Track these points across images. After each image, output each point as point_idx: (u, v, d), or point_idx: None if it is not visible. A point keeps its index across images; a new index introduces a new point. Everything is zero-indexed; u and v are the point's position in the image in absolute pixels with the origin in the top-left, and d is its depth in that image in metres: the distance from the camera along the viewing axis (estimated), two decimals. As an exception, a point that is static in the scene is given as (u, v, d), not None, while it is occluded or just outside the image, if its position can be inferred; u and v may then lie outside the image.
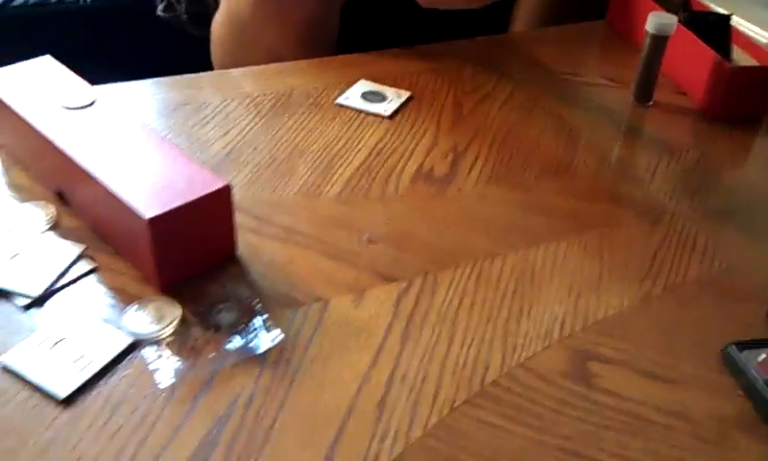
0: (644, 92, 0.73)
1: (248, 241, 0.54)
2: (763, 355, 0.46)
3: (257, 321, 0.48)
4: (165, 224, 0.47)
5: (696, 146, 0.69)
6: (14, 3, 1.10)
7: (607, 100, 0.75)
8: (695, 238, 0.57)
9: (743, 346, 0.47)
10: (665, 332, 0.49)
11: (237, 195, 0.58)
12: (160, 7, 0.97)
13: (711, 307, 0.51)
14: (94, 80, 0.61)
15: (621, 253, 0.56)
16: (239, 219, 0.55)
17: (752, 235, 0.59)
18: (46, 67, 0.61)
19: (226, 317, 0.48)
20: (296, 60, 0.81)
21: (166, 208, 0.47)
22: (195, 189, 0.49)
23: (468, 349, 0.47)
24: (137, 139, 0.53)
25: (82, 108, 0.56)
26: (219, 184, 0.49)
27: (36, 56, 0.63)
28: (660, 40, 0.71)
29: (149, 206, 0.47)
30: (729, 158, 0.68)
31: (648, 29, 0.70)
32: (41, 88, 0.58)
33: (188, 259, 0.50)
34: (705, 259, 0.55)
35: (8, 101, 0.57)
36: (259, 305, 0.49)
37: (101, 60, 1.15)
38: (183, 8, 0.94)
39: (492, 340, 0.48)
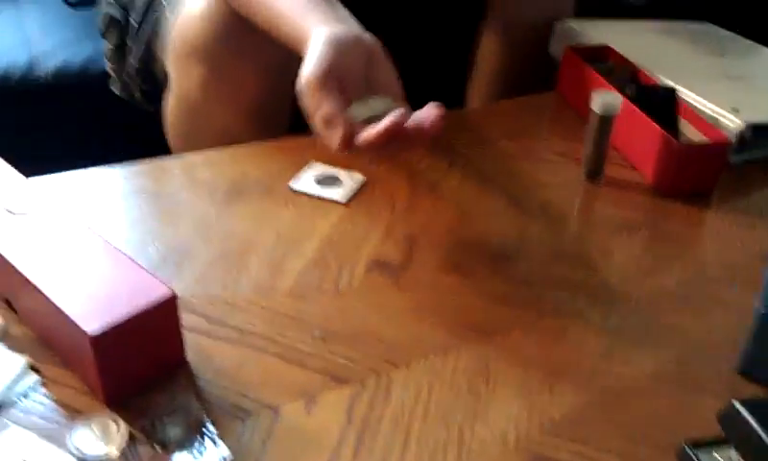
0: (594, 169, 0.74)
1: (198, 344, 0.53)
2: (716, 456, 0.46)
3: (205, 435, 0.47)
4: (108, 338, 0.46)
5: (648, 224, 0.70)
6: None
7: (558, 177, 0.76)
8: (649, 326, 0.58)
9: (698, 445, 0.47)
10: (623, 431, 0.49)
11: (187, 293, 0.57)
12: (115, 87, 0.97)
13: (668, 401, 0.51)
14: (44, 160, 0.60)
15: (576, 344, 0.56)
16: (189, 321, 0.55)
17: (707, 320, 0.59)
18: (-8, 168, 0.60)
19: (173, 432, 0.47)
20: (249, 138, 0.81)
21: (109, 322, 0.46)
22: (139, 299, 0.48)
23: (423, 456, 0.46)
24: (80, 243, 0.52)
25: (28, 214, 0.55)
26: (164, 293, 0.48)
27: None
28: (606, 120, 0.72)
29: (91, 320, 0.46)
30: (681, 236, 0.69)
31: (594, 109, 0.72)
32: (-16, 191, 0.57)
33: (134, 371, 0.49)
34: (660, 349, 0.56)
35: (-51, 205, 0.55)
36: (207, 418, 0.47)
37: (53, 139, 1.15)
38: (137, 86, 0.94)
39: (447, 445, 0.47)
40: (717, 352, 0.56)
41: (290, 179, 0.72)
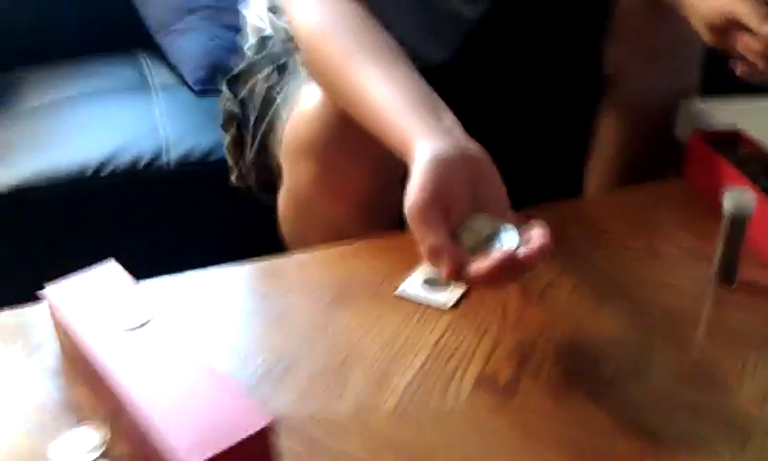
0: (727, 274, 0.68)
1: (295, 472, 0.52)
2: None
3: None
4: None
5: (790, 336, 0.63)
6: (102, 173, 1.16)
7: (686, 279, 0.70)
8: (792, 464, 0.51)
9: None
10: None
11: (288, 411, 0.56)
12: (233, 177, 1.00)
13: None
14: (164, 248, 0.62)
15: (706, 484, 0.50)
16: (286, 443, 0.53)
17: None
18: (109, 276, 0.62)
19: None
20: (359, 231, 0.81)
21: (206, 455, 0.45)
22: (237, 429, 0.47)
23: None
24: (184, 368, 0.53)
25: (136, 328, 0.56)
26: (262, 423, 0.48)
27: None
28: (739, 220, 0.66)
29: (188, 451, 0.46)
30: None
31: (726, 209, 0.66)
32: (101, 303, 0.59)
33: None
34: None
35: (69, 318, 0.58)
36: None
37: (175, 226, 1.20)
38: (253, 178, 0.96)
39: None
40: None
41: (398, 279, 0.70)
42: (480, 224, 0.56)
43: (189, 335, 0.57)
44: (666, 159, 1.00)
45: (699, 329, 0.64)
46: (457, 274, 0.54)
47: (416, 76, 0.67)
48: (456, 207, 0.56)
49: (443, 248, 0.54)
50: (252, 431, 0.47)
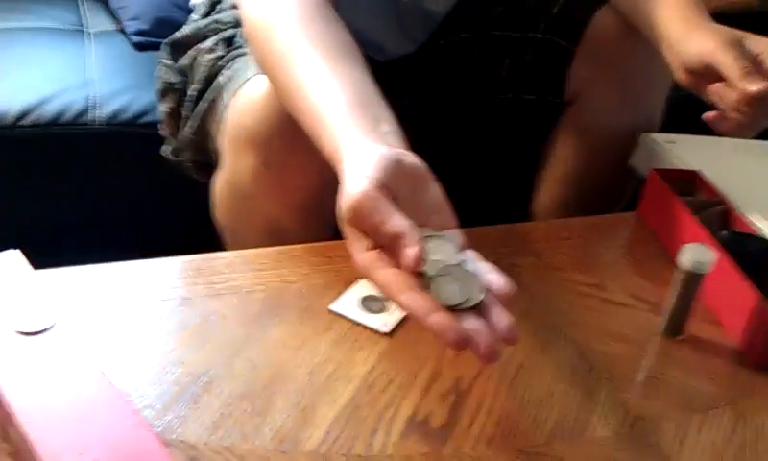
0: (675, 327, 0.66)
1: (202, 514, 0.46)
2: None
3: None
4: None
5: (733, 402, 0.61)
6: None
7: (633, 328, 0.67)
8: None
9: None
10: None
11: (201, 440, 0.51)
12: (167, 149, 0.93)
13: None
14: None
15: None
16: (198, 479, 0.48)
17: None
18: (9, 268, 0.55)
19: None
20: (297, 231, 0.75)
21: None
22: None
23: None
24: (88, 387, 0.46)
25: (37, 333, 0.50)
26: (166, 466, 0.42)
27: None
28: (694, 277, 0.63)
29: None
30: (768, 422, 0.60)
31: (682, 264, 0.63)
32: (-2, 299, 0.52)
33: None
34: None
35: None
36: None
37: (99, 188, 1.11)
38: (188, 155, 0.89)
39: None
40: None
41: (335, 292, 0.65)
42: (435, 245, 0.51)
43: (94, 341, 0.51)
44: (619, 189, 0.97)
45: (642, 384, 0.62)
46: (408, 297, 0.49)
47: (361, 75, 0.61)
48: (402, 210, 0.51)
49: (405, 232, 0.49)
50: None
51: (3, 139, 1.04)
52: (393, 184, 0.51)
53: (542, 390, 0.59)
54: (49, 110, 1.07)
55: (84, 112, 1.08)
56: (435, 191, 0.55)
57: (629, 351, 0.64)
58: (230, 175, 0.78)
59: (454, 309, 0.49)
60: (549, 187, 0.98)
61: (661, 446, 0.56)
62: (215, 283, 0.65)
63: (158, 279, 0.65)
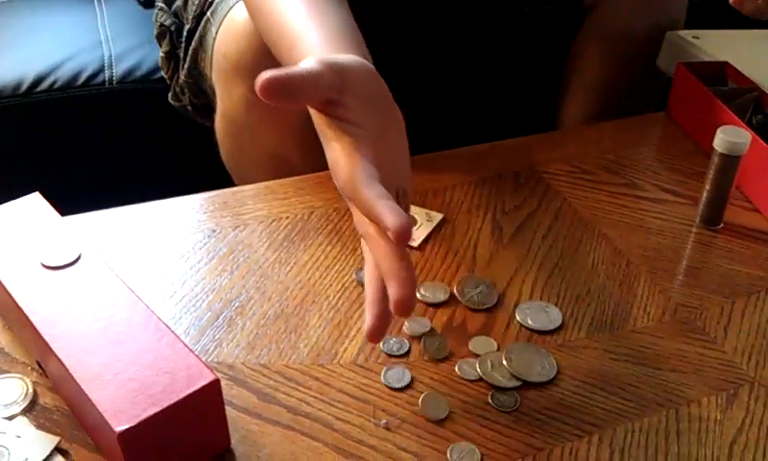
0: (713, 216, 0.64)
1: (246, 428, 0.46)
2: None
3: None
4: (138, 434, 0.40)
5: (776, 284, 0.59)
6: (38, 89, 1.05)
7: (669, 222, 0.65)
8: (781, 424, 0.48)
9: None
10: None
11: (239, 360, 0.51)
12: (170, 95, 0.92)
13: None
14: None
15: (689, 448, 0.46)
16: (238, 397, 0.48)
17: None
18: (33, 209, 0.55)
19: None
20: (298, 158, 0.74)
21: (139, 419, 0.40)
22: (176, 388, 0.41)
23: None
24: (119, 311, 0.46)
25: (63, 266, 0.50)
26: (205, 380, 0.42)
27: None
28: (730, 160, 0.61)
29: (119, 415, 0.40)
30: (816, 300, 0.58)
31: (716, 147, 0.61)
32: (24, 240, 0.52)
33: (170, 465, 0.43)
34: (795, 457, 0.46)
35: (-14, 254, 0.51)
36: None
37: (117, 144, 1.11)
38: (187, 98, 0.88)
39: None
40: None
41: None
42: None
43: (124, 275, 0.51)
44: (647, 93, 0.94)
45: (683, 274, 0.60)
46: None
47: (344, 15, 0.56)
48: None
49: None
50: (191, 390, 0.41)
51: (20, 106, 1.04)
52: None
53: (579, 287, 0.58)
54: (63, 75, 1.06)
55: (98, 73, 1.08)
56: (402, 135, 0.50)
57: (666, 244, 0.63)
58: (225, 109, 0.76)
59: None
60: (576, 98, 0.95)
61: (707, 330, 0.54)
62: (241, 214, 0.65)
63: (184, 216, 0.65)
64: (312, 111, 0.47)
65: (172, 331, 0.45)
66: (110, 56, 1.10)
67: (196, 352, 0.44)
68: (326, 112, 0.45)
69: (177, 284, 0.57)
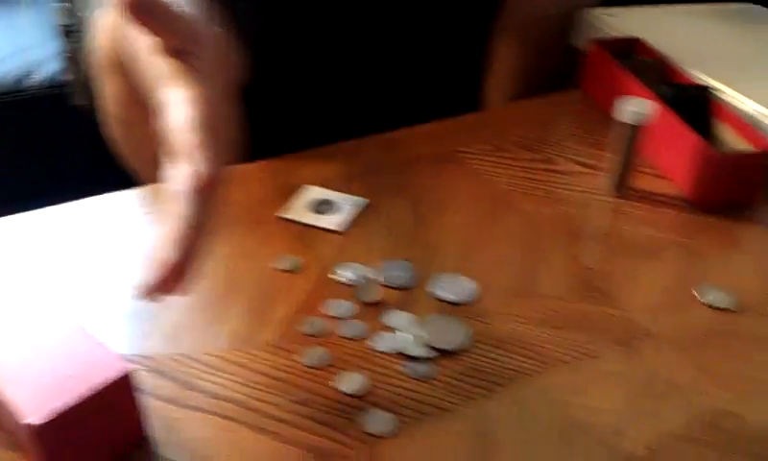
0: (620, 184, 0.67)
1: (165, 415, 0.47)
2: None
3: (166, 529, 0.41)
4: (53, 428, 0.41)
5: (682, 244, 0.62)
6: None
7: (581, 192, 0.68)
8: (679, 372, 0.50)
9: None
10: (644, 511, 0.42)
11: (158, 352, 0.52)
12: (75, 96, 0.90)
13: (698, 470, 0.44)
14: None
15: (592, 399, 0.49)
16: (157, 386, 0.49)
17: (748, 364, 0.51)
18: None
19: (130, 525, 0.42)
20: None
21: (53, 412, 0.40)
22: (89, 381, 0.42)
23: None
24: (26, 306, 0.47)
25: (-23, 269, 0.50)
26: (118, 371, 0.43)
27: None
28: (634, 129, 0.64)
29: (33, 409, 0.41)
30: (720, 259, 0.61)
31: (620, 118, 0.64)
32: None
33: (87, 457, 0.44)
34: (694, 401, 0.48)
35: None
36: (169, 508, 0.42)
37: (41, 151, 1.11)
38: (83, 99, 0.86)
39: (440, 537, 0.41)
40: (758, 404, 0.48)
41: (281, 204, 0.66)
42: None
43: (43, 275, 0.52)
44: (566, 73, 0.97)
45: (590, 239, 0.63)
46: None
47: None
48: None
49: None
50: (105, 381, 0.42)
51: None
52: None
53: (493, 259, 0.60)
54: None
55: (20, 79, 1.07)
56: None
57: (577, 213, 0.65)
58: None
59: None
60: (499, 83, 0.98)
61: (611, 290, 0.57)
62: (158, 209, 0.66)
63: (103, 214, 0.65)
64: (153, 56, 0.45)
65: (85, 327, 0.46)
66: (32, 62, 1.10)
67: (114, 347, 0.45)
68: (176, 57, 0.44)
69: (96, 282, 0.58)
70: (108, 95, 0.72)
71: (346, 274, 0.58)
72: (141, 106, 0.61)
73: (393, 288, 0.57)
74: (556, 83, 0.95)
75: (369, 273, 0.59)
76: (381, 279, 0.58)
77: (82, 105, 0.90)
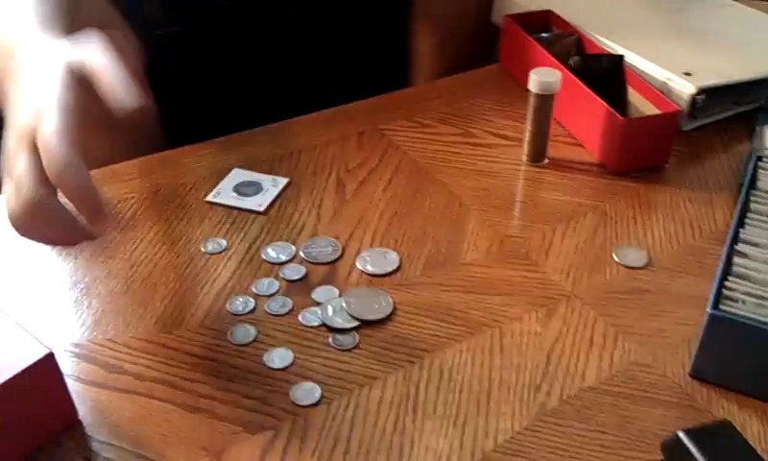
0: (537, 153, 0.69)
1: (93, 399, 0.48)
2: (664, 483, 0.42)
3: (96, 510, 0.42)
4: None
5: (595, 208, 0.65)
6: None
7: (500, 163, 0.70)
8: (595, 329, 0.53)
9: (643, 472, 0.42)
10: (561, 457, 0.44)
11: (85, 338, 0.52)
12: None
13: (613, 418, 0.47)
14: None
15: (512, 358, 0.51)
16: (86, 371, 0.49)
17: (659, 318, 0.54)
18: None
19: (59, 509, 0.42)
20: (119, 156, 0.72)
21: (-28, 397, 0.40)
22: (11, 365, 0.42)
23: (339, 514, 0.42)
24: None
25: None
26: (39, 354, 0.43)
27: None
28: (544, 99, 0.66)
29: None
30: (631, 220, 0.63)
31: (531, 88, 0.66)
32: None
33: (15, 443, 0.43)
34: (602, 356, 0.51)
35: None
36: (98, 490, 0.42)
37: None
38: None
39: (368, 497, 0.42)
40: (668, 354, 0.51)
41: (208, 189, 0.66)
42: None
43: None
44: (488, 48, 0.99)
45: (509, 208, 0.65)
46: None
47: None
48: None
49: None
50: (27, 365, 0.42)
51: None
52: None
53: (416, 231, 0.62)
54: None
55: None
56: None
57: (496, 184, 0.67)
58: None
59: None
60: (422, 66, 0.99)
61: (530, 255, 0.59)
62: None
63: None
64: None
65: (7, 314, 0.45)
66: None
67: (39, 335, 0.44)
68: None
69: (21, 273, 0.57)
70: None
71: (271, 253, 0.59)
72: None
73: (318, 264, 0.58)
74: (480, 60, 0.97)
75: (293, 250, 0.59)
76: (306, 255, 0.59)
77: None
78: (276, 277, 0.57)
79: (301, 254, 0.59)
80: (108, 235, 0.61)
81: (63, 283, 0.56)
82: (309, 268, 0.58)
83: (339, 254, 0.59)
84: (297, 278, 0.57)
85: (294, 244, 0.60)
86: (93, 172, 0.68)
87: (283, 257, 0.59)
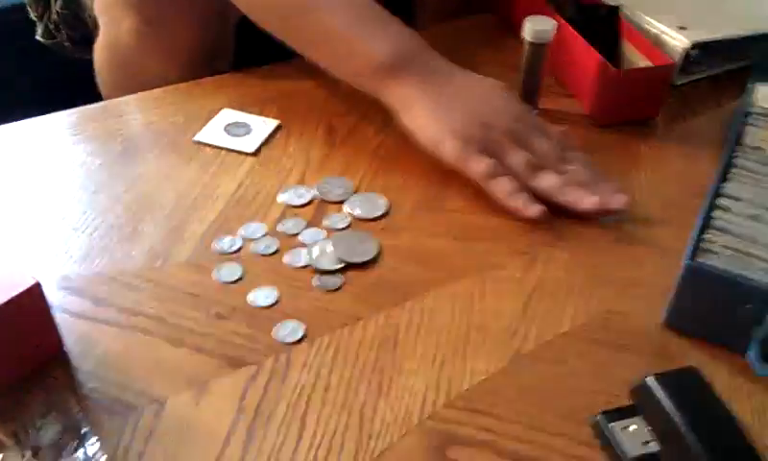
0: (528, 102, 0.69)
1: (80, 331, 0.49)
2: (633, 427, 0.43)
3: (83, 437, 0.43)
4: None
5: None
6: None
7: (491, 111, 0.70)
8: (573, 276, 0.54)
9: (613, 415, 0.44)
10: (534, 401, 0.46)
11: (73, 271, 0.53)
12: (39, 32, 0.89)
13: (587, 364, 0.48)
14: None
15: (492, 304, 0.52)
16: (72, 304, 0.50)
17: (637, 267, 0.55)
18: None
19: (46, 435, 0.43)
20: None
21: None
22: (-1, 293, 0.43)
23: (318, 448, 0.43)
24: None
25: None
26: (26, 283, 0.44)
27: None
28: (538, 47, 0.66)
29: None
30: (618, 171, 0.64)
31: (525, 36, 0.66)
32: None
33: (2, 371, 0.44)
34: (582, 302, 0.52)
35: None
36: (85, 418, 0.44)
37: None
38: (63, 33, 0.86)
39: (345, 432, 0.44)
40: (645, 304, 0.52)
41: (198, 128, 0.66)
42: None
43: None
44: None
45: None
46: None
47: None
48: None
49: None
50: (14, 294, 0.43)
51: None
52: None
53: (405, 176, 0.62)
54: None
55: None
56: None
57: (486, 132, 0.68)
58: (109, 38, 0.76)
59: None
60: (427, 8, 0.98)
61: (515, 204, 0.60)
62: (74, 134, 0.65)
63: (18, 140, 0.64)
64: None
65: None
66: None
67: (28, 268, 0.45)
68: None
69: (10, 206, 0.58)
70: (123, 29, 0.72)
71: (260, 194, 0.60)
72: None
73: (305, 206, 0.59)
74: (482, 7, 0.96)
75: (282, 192, 0.60)
76: (294, 197, 0.59)
77: (45, 41, 0.88)
78: (263, 218, 0.58)
79: (289, 196, 0.60)
80: (96, 172, 0.61)
81: (52, 217, 0.57)
82: (297, 211, 0.58)
83: (327, 197, 0.60)
84: (284, 221, 0.57)
85: (282, 186, 0.60)
86: (78, 109, 0.69)
87: (271, 198, 0.59)
